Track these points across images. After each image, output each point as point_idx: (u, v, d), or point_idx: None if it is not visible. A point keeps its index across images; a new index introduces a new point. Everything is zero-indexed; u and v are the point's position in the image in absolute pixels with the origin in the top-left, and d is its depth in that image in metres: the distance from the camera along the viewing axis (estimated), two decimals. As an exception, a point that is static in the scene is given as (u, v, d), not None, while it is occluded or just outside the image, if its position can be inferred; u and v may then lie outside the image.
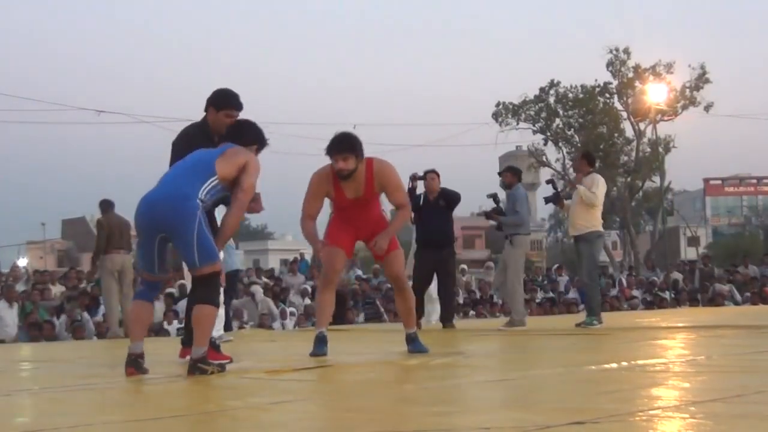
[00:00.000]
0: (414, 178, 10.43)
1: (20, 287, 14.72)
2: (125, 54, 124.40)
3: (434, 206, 10.33)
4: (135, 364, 5.16)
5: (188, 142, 5.76)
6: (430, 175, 10.43)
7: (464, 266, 23.08)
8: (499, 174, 10.70)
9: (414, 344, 6.33)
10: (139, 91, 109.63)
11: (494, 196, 10.79)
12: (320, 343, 6.22)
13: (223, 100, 5.96)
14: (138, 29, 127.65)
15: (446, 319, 10.26)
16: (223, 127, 5.80)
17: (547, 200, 10.66)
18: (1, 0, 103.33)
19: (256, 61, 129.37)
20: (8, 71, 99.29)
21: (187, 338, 5.95)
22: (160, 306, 13.98)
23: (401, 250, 6.41)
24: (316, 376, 5.16)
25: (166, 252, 5.16)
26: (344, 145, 5.97)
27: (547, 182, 11.05)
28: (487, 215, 10.43)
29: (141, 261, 5.19)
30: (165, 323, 13.43)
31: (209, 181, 5.09)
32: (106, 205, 12.10)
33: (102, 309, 13.92)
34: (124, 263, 11.63)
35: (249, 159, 5.26)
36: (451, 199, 10.42)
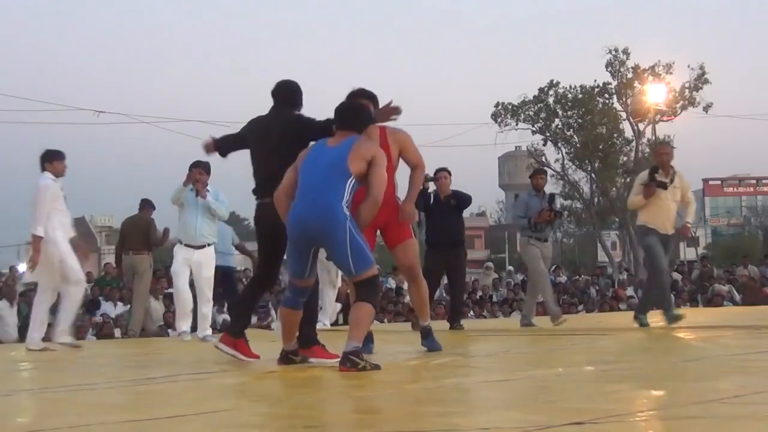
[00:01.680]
0: (426, 179, 10.32)
1: (19, 288, 14.70)
2: (125, 54, 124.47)
3: (446, 206, 10.21)
4: (286, 360, 5.45)
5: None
6: (442, 173, 10.34)
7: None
8: (531, 176, 10.67)
9: (428, 340, 6.36)
10: (139, 91, 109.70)
11: (551, 197, 10.52)
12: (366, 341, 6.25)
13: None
14: (138, 29, 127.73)
15: (455, 320, 10.13)
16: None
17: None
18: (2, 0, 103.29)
19: (256, 61, 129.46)
20: (8, 71, 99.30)
21: (232, 326, 6.19)
22: (159, 306, 13.99)
23: (414, 239, 6.31)
24: (316, 376, 5.16)
25: (314, 259, 5.33)
26: (350, 118, 5.80)
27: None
28: (546, 214, 10.04)
29: (292, 268, 5.31)
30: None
31: (348, 184, 5.17)
32: (141, 205, 12.14)
33: (102, 309, 13.95)
34: (134, 263, 11.62)
35: (375, 153, 5.25)
36: (462, 199, 10.34)
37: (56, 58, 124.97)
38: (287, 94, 6.13)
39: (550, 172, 43.60)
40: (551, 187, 47.34)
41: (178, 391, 4.67)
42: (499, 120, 40.56)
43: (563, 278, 20.98)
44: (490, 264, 23.40)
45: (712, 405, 3.51)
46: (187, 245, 9.70)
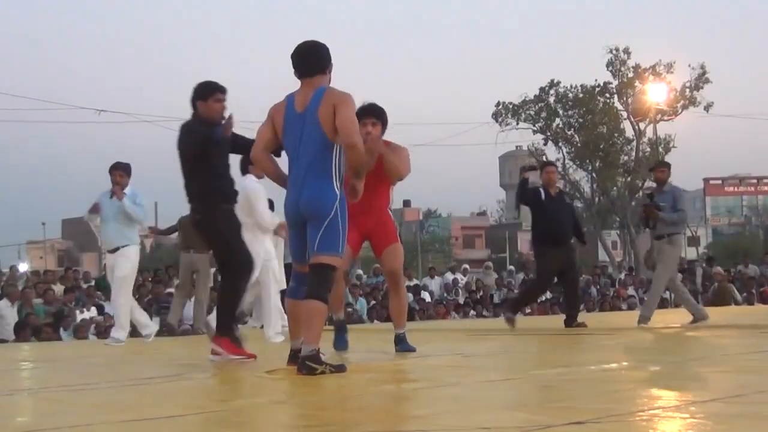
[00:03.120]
0: (525, 168, 10.00)
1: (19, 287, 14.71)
2: (125, 54, 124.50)
3: (558, 201, 9.85)
4: (296, 359, 5.08)
5: (215, 140, 5.95)
6: (550, 168, 10.10)
7: (466, 266, 23.09)
8: (651, 169, 10.17)
9: (402, 344, 6.32)
10: (139, 91, 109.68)
11: (650, 193, 10.09)
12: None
13: (207, 89, 6.15)
14: (138, 29, 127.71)
15: (572, 318, 9.70)
16: (217, 113, 6.07)
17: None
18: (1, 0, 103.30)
19: (256, 61, 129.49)
20: (8, 71, 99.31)
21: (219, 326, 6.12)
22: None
23: (400, 244, 6.29)
24: (316, 376, 5.15)
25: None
26: (375, 110, 5.91)
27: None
28: (647, 210, 9.59)
29: (293, 254, 5.16)
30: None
31: (333, 153, 4.87)
32: None
33: (103, 309, 13.96)
34: (194, 262, 11.69)
35: (338, 99, 4.85)
36: (570, 199, 9.89)
37: (57, 57, 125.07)
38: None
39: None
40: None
41: (178, 391, 4.67)
42: (499, 119, 40.58)
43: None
44: (490, 264, 23.40)
45: (713, 404, 3.50)
46: (106, 251, 9.65)
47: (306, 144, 4.88)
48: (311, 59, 5.02)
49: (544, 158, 42.18)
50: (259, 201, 8.46)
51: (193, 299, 12.22)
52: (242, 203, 9.93)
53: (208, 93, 6.11)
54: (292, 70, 5.04)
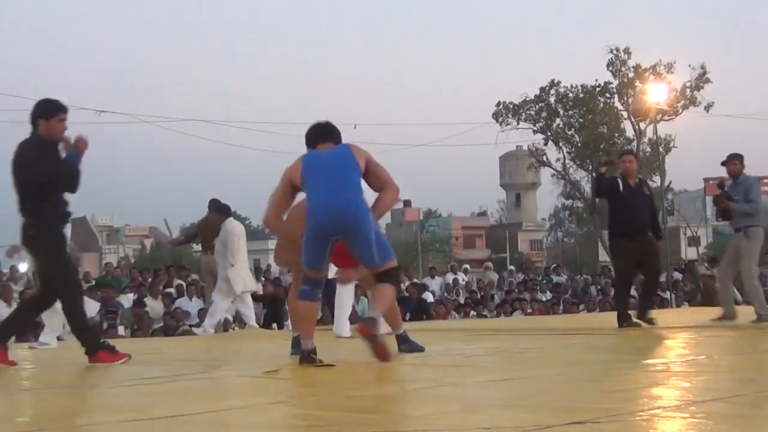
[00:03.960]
0: (602, 163, 9.61)
1: (18, 288, 14.69)
2: (126, 54, 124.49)
3: (637, 192, 9.30)
4: (309, 359, 5.41)
5: (48, 157, 5.96)
6: (628, 157, 9.57)
7: (467, 266, 23.09)
8: (723, 163, 9.61)
9: (408, 343, 6.33)
10: (139, 91, 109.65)
11: (721, 184, 9.77)
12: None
13: (51, 108, 6.11)
14: (138, 29, 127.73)
15: (645, 312, 9.19)
16: (59, 133, 6.04)
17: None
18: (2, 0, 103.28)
19: (256, 60, 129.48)
20: (8, 70, 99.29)
21: None
22: (159, 306, 14.00)
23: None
24: (317, 376, 5.16)
25: (331, 252, 5.56)
26: (331, 133, 5.92)
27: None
28: (717, 200, 9.34)
29: (309, 260, 5.48)
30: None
31: (360, 179, 5.57)
32: (212, 205, 12.26)
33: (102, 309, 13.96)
34: (211, 264, 11.80)
35: (368, 155, 5.66)
36: (652, 190, 9.41)
37: (57, 57, 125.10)
38: None
39: (550, 171, 43.71)
40: (551, 186, 47.52)
41: (179, 390, 4.67)
42: (500, 119, 40.56)
43: (563, 277, 20.98)
44: (490, 264, 23.41)
45: (713, 404, 3.51)
46: None
47: (343, 171, 5.50)
48: (334, 133, 5.90)
49: (544, 158, 42.30)
50: (235, 241, 10.26)
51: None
52: (224, 241, 10.62)
53: (51, 112, 6.04)
54: (310, 138, 5.81)
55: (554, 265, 23.93)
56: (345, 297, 8.96)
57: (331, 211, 5.37)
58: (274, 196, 5.67)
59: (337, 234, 5.41)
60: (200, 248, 12.18)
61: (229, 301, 11.23)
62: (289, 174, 5.62)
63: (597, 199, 10.02)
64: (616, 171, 9.68)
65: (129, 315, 13.37)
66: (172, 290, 14.87)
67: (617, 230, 9.41)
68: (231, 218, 11.44)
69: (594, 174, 40.73)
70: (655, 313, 9.39)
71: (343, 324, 8.81)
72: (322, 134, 5.82)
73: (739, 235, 9.21)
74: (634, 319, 9.01)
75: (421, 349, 6.27)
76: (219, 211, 11.57)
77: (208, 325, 11.00)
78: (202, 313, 13.31)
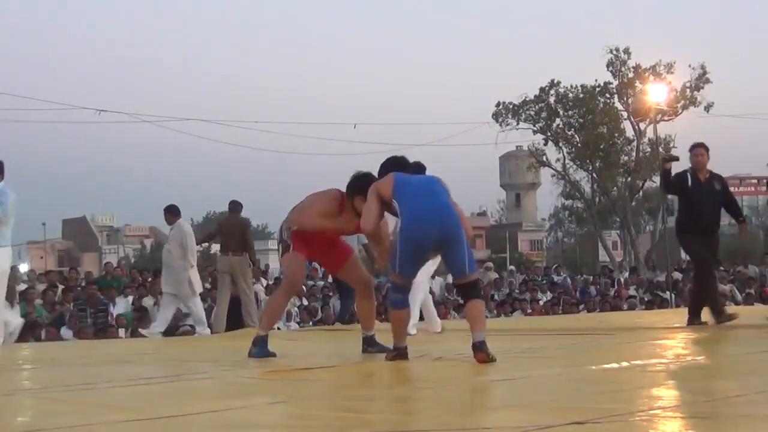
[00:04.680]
0: (666, 159, 9.21)
1: (19, 288, 14.70)
2: (126, 53, 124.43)
3: (707, 187, 8.87)
4: (404, 355, 5.75)
5: None
6: (698, 150, 8.92)
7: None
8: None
9: (377, 345, 6.34)
10: (139, 91, 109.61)
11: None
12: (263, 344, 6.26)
13: None
14: (138, 29, 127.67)
15: (720, 312, 8.88)
16: None
17: None
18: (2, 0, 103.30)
19: (256, 60, 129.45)
20: (8, 70, 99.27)
21: None
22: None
23: (356, 253, 6.57)
24: (317, 376, 5.16)
25: None
26: (420, 169, 6.54)
27: None
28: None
29: (409, 271, 5.71)
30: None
31: None
32: (232, 206, 12.38)
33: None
34: (233, 264, 11.82)
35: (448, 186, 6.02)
36: (725, 183, 9.12)
37: (57, 57, 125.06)
38: None
39: (550, 171, 43.72)
40: (551, 186, 47.53)
41: (179, 390, 4.67)
42: (500, 119, 40.58)
43: (562, 277, 21.00)
44: (490, 264, 23.37)
45: (713, 404, 3.51)
46: None
47: (438, 188, 5.81)
48: (421, 167, 7.02)
49: (544, 158, 42.29)
50: (193, 242, 10.96)
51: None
52: (180, 242, 10.72)
53: None
54: (399, 166, 6.06)
55: (555, 265, 23.90)
56: (419, 295, 9.02)
57: (435, 220, 5.56)
58: (373, 209, 5.75)
59: (436, 243, 5.60)
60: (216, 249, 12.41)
61: (178, 303, 11.29)
62: (380, 188, 5.75)
63: (666, 195, 9.53)
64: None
65: (129, 317, 13.37)
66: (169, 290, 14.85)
67: (687, 227, 8.99)
68: (182, 219, 11.53)
69: (593, 174, 40.99)
70: (655, 313, 9.38)
71: (432, 320, 9.16)
72: (413, 168, 6.30)
73: None
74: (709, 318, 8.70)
75: (388, 348, 6.25)
76: (170, 212, 11.57)
77: (202, 330, 11.14)
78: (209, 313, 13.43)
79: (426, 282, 9.00)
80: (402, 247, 5.60)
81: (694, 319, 8.75)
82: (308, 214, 6.10)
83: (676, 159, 9.10)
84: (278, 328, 13.00)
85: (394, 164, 6.02)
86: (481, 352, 5.38)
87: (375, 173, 6.05)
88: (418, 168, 7.89)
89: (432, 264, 8.42)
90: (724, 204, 9.08)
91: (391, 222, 6.32)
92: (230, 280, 11.85)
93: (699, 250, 8.90)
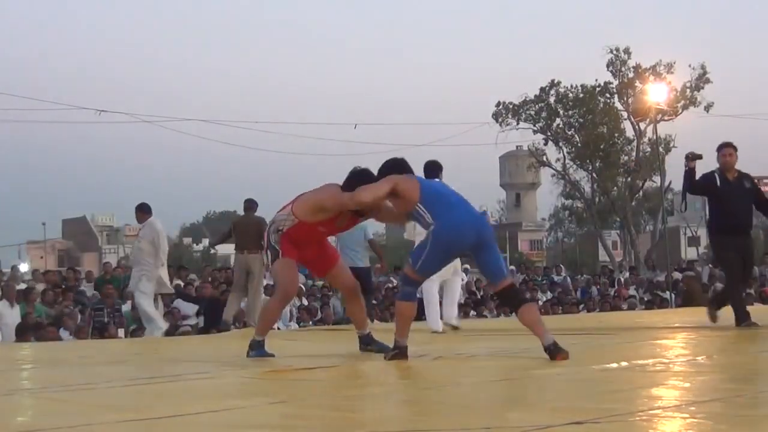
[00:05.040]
0: (690, 157, 8.89)
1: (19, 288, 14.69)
2: (126, 53, 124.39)
3: (736, 186, 8.67)
4: (404, 354, 5.72)
5: None
6: (726, 150, 8.69)
7: (467, 266, 23.06)
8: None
9: (376, 343, 6.39)
10: (139, 91, 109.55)
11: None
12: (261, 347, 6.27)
13: None
14: (138, 29, 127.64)
15: (744, 316, 8.60)
16: None
17: None
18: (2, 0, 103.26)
19: (256, 60, 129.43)
20: (8, 70, 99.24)
21: None
22: (158, 306, 13.98)
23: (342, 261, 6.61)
24: (317, 376, 5.16)
25: None
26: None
27: None
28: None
29: (433, 268, 5.86)
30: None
31: None
32: (248, 205, 12.43)
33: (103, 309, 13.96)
34: (249, 262, 11.90)
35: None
36: (755, 182, 8.91)
37: (57, 56, 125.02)
38: None
39: (550, 171, 43.73)
40: (551, 186, 47.54)
41: (178, 390, 4.67)
42: (500, 119, 40.58)
43: (562, 277, 20.99)
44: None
45: (713, 404, 3.51)
46: None
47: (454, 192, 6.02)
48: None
49: (544, 158, 42.28)
50: (165, 240, 10.96)
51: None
52: (151, 239, 10.93)
53: None
54: (392, 167, 6.01)
55: (556, 265, 23.91)
56: (432, 293, 9.29)
57: (474, 226, 5.69)
58: (380, 191, 5.77)
59: (471, 248, 5.72)
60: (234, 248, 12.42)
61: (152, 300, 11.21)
62: (402, 186, 5.77)
63: (686, 196, 9.18)
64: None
65: (128, 317, 13.36)
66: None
67: (718, 228, 8.84)
68: (153, 217, 11.40)
69: (593, 174, 41.01)
70: (655, 313, 9.38)
71: (436, 319, 9.22)
72: (430, 167, 6.70)
73: None
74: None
75: (388, 347, 6.24)
76: (141, 210, 11.48)
77: (155, 329, 10.93)
78: (239, 314, 13.51)
79: (438, 281, 9.12)
80: (433, 249, 5.66)
81: (743, 320, 8.46)
82: (311, 206, 6.07)
83: (700, 157, 8.84)
84: (278, 328, 13.02)
85: (395, 166, 6.03)
86: (557, 353, 5.48)
87: (345, 179, 6.06)
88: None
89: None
90: (756, 203, 8.89)
91: (409, 225, 6.42)
92: (246, 277, 11.98)
93: (727, 255, 8.76)
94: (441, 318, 9.34)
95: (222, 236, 13.78)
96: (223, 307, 12.27)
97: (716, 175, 8.71)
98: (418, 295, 9.94)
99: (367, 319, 6.54)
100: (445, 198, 5.83)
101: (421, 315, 9.04)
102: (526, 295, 6.04)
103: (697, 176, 8.86)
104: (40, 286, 14.88)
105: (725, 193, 8.65)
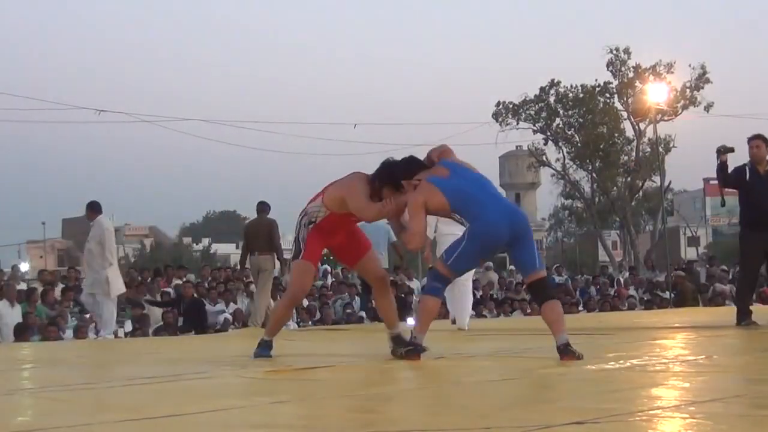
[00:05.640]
0: (722, 151, 8.78)
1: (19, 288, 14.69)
2: (126, 53, 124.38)
3: (767, 179, 8.55)
4: (417, 353, 5.62)
5: None
6: (755, 142, 8.60)
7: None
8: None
9: (403, 344, 6.26)
10: (139, 91, 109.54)
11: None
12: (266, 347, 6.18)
13: None
14: (138, 29, 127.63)
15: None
16: None
17: None
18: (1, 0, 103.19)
19: (257, 60, 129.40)
20: (8, 70, 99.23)
21: None
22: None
23: (374, 249, 6.37)
24: (317, 376, 5.16)
25: None
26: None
27: None
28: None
29: (467, 266, 5.86)
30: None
31: None
32: (260, 207, 12.53)
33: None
34: (260, 263, 12.07)
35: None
36: None
37: (57, 56, 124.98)
38: None
39: (550, 171, 43.74)
40: (551, 186, 47.53)
41: (178, 390, 4.67)
42: (500, 119, 40.60)
43: (563, 278, 20.98)
44: (490, 264, 23.35)
45: (713, 405, 3.51)
46: None
47: (493, 186, 5.92)
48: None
49: (544, 158, 42.29)
50: (113, 239, 10.82)
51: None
52: (98, 239, 10.67)
53: None
54: (414, 168, 5.82)
55: (556, 265, 23.91)
56: (463, 291, 9.44)
57: (508, 223, 5.57)
58: (420, 226, 5.66)
59: (506, 244, 5.62)
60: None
61: (114, 302, 11.01)
62: (430, 202, 5.62)
63: (724, 190, 9.00)
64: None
65: (128, 316, 13.37)
66: (170, 290, 14.88)
67: (745, 222, 8.75)
68: (103, 215, 11.18)
69: (593, 174, 41.01)
70: (655, 313, 9.38)
71: (465, 317, 9.53)
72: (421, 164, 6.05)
73: None
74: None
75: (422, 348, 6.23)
76: (91, 208, 11.24)
77: (106, 333, 10.74)
78: (239, 314, 13.57)
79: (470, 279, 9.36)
80: (469, 246, 5.58)
81: (743, 318, 8.48)
82: (339, 200, 5.87)
83: (732, 150, 8.72)
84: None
85: (417, 166, 5.81)
86: (566, 354, 5.37)
87: (375, 172, 5.90)
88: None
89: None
90: None
91: (432, 221, 6.26)
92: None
93: (746, 249, 8.71)
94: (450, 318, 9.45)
95: (244, 250, 13.45)
96: (203, 308, 12.35)
97: (747, 168, 8.63)
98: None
99: (396, 315, 6.23)
100: (473, 198, 5.65)
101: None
102: (554, 291, 5.87)
103: (730, 170, 8.82)
104: (38, 286, 14.89)
105: (753, 186, 8.56)
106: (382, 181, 5.75)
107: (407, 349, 5.64)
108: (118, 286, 10.94)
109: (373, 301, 7.59)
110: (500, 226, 5.55)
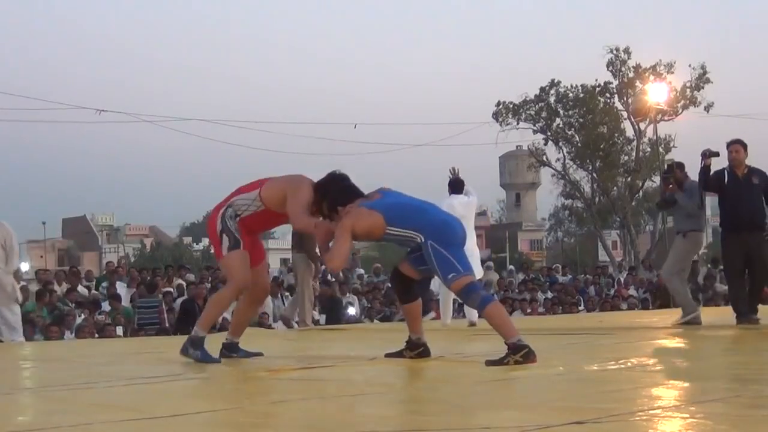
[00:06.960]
0: (706, 155, 8.91)
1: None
2: (126, 53, 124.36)
3: (744, 183, 8.73)
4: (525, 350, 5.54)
5: None
6: (734, 146, 8.82)
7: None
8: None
9: (240, 351, 6.20)
10: (139, 91, 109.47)
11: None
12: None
13: None
14: (138, 29, 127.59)
15: (753, 311, 8.65)
16: None
17: None
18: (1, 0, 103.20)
19: (257, 60, 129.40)
20: (8, 70, 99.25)
21: None
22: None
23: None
24: (317, 375, 5.16)
25: None
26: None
27: None
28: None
29: (465, 260, 5.73)
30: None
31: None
32: None
33: (102, 308, 13.97)
34: (294, 261, 12.33)
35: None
36: (765, 177, 8.84)
37: (57, 56, 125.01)
38: None
39: (550, 171, 43.75)
40: (551, 186, 47.51)
41: (178, 390, 4.67)
42: (500, 119, 40.61)
43: (566, 278, 20.98)
44: (491, 264, 23.37)
45: (712, 405, 3.51)
46: None
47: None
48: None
49: (544, 158, 42.27)
50: (17, 244, 10.77)
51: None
52: (2, 243, 10.46)
53: None
54: (350, 195, 5.70)
55: (557, 265, 23.90)
56: (444, 290, 9.77)
57: (460, 223, 5.83)
58: (345, 250, 5.55)
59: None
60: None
61: (19, 307, 10.66)
62: (357, 227, 5.51)
63: (703, 194, 9.21)
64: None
65: (129, 314, 13.38)
66: (171, 289, 14.88)
67: (724, 225, 8.96)
68: (3, 220, 10.86)
69: (593, 174, 41.01)
70: (655, 313, 9.38)
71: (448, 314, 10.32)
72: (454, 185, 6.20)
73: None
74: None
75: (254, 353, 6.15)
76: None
77: (16, 337, 10.25)
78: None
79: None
80: (451, 251, 5.54)
81: (741, 318, 8.52)
82: (281, 199, 5.70)
83: (717, 154, 8.86)
84: (271, 326, 13.04)
85: (354, 194, 5.67)
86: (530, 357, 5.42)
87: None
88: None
89: None
90: (766, 198, 8.84)
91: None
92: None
93: (726, 252, 8.92)
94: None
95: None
96: (198, 309, 12.38)
97: (726, 172, 8.76)
98: (435, 294, 10.43)
99: (245, 328, 6.24)
100: (411, 207, 5.67)
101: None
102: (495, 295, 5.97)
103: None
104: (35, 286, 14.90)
105: (731, 189, 8.71)
106: (324, 197, 5.61)
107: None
108: (17, 294, 10.64)
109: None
110: (453, 221, 5.72)
